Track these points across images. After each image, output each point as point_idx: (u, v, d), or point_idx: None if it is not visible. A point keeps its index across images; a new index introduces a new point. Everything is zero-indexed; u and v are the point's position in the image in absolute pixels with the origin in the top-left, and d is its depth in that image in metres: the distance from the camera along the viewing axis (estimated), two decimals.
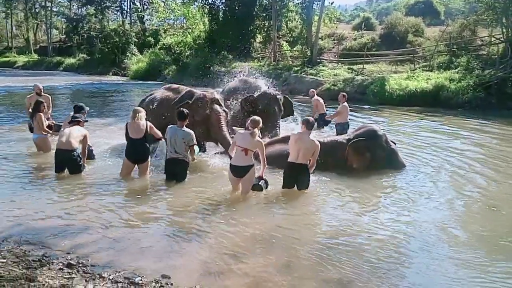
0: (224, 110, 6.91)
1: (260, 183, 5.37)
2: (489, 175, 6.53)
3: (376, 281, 3.46)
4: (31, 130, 7.57)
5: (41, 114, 7.26)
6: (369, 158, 6.36)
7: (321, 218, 4.89)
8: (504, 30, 17.33)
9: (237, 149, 5.26)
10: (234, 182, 5.41)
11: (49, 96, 8.67)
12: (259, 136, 5.32)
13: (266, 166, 5.48)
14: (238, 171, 5.30)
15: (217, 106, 6.84)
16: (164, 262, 3.68)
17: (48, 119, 7.79)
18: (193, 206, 5.05)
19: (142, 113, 6.03)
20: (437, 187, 5.92)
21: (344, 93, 9.58)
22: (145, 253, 3.84)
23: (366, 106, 15.34)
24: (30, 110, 7.68)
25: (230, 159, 5.49)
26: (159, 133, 6.07)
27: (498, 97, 14.48)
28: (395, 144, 6.91)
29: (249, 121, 5.40)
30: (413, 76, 17.13)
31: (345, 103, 9.09)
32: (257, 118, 5.42)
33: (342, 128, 8.77)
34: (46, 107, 7.62)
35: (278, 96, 8.40)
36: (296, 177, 5.53)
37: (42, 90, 8.54)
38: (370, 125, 6.96)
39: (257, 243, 4.14)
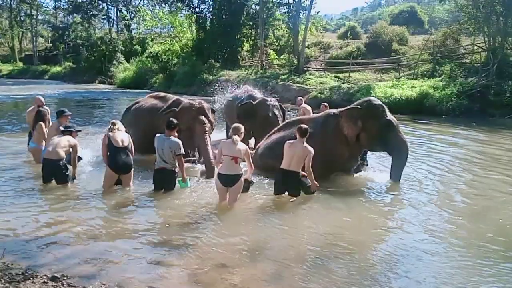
0: (209, 121, 6.86)
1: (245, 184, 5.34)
2: (475, 181, 6.62)
3: None
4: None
5: (42, 124, 7.13)
6: (360, 127, 6.20)
7: (312, 227, 4.83)
8: (486, 39, 17.69)
9: (225, 158, 5.17)
10: (222, 191, 5.30)
11: (49, 109, 8.04)
12: (241, 142, 5.24)
13: (253, 170, 5.46)
14: (227, 180, 5.20)
15: (202, 117, 6.75)
16: (152, 274, 3.61)
17: None
18: (181, 217, 4.98)
19: (120, 124, 6.06)
20: (425, 194, 5.95)
21: (325, 103, 9.61)
22: (132, 265, 3.77)
23: None
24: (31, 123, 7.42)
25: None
26: (133, 153, 6.02)
27: (481, 105, 14.74)
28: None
29: (231, 128, 5.37)
30: (398, 84, 17.32)
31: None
32: (237, 125, 5.39)
33: None
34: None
35: (278, 103, 8.39)
36: (287, 182, 5.53)
37: (44, 102, 7.97)
38: (371, 97, 6.84)
39: (246, 253, 4.09)
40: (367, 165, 7.17)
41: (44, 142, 7.04)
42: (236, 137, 5.17)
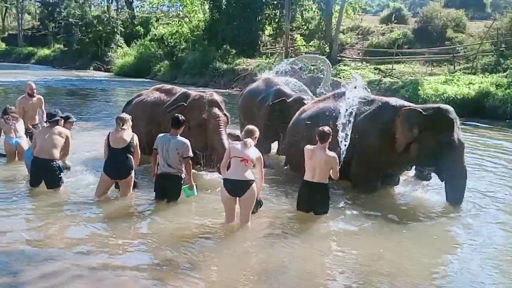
0: (225, 114, 6.92)
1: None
2: None
3: None
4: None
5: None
6: (414, 136, 5.91)
7: (339, 252, 4.83)
8: None
9: (234, 160, 5.08)
10: (229, 203, 5.18)
11: (42, 98, 8.44)
12: (254, 147, 5.22)
13: (263, 180, 5.40)
14: (236, 188, 5.05)
15: (216, 109, 6.82)
16: None
17: (35, 125, 8.06)
18: (187, 232, 5.08)
19: (128, 122, 5.97)
20: (480, 215, 5.91)
21: None
22: (127, 285, 3.88)
23: None
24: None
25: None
26: (139, 155, 6.06)
27: None
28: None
29: (243, 131, 5.41)
30: (452, 80, 17.15)
31: None
32: (251, 127, 5.39)
33: None
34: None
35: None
36: (313, 198, 5.51)
37: (35, 90, 8.35)
38: (445, 105, 6.36)
39: (258, 279, 4.16)
40: (430, 178, 6.91)
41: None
42: (249, 141, 5.15)
